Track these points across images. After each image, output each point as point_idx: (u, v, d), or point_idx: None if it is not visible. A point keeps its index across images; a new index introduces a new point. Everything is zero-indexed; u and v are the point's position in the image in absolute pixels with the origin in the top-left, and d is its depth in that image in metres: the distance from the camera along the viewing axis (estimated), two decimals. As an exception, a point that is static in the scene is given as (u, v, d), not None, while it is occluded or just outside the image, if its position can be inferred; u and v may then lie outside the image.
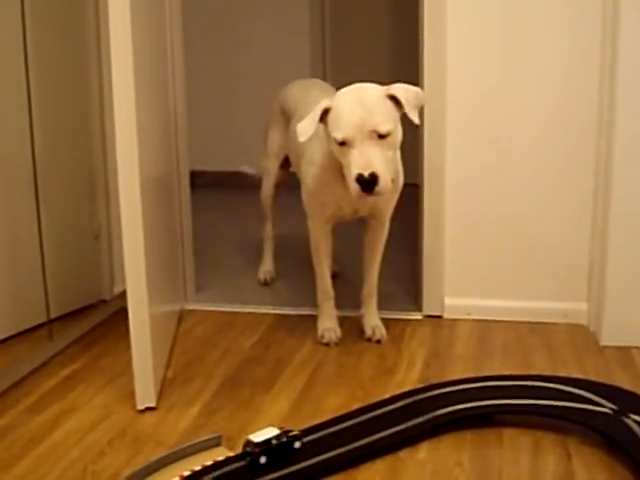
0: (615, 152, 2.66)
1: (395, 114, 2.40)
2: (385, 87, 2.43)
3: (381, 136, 2.33)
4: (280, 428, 2.00)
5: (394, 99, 2.39)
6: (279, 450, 1.95)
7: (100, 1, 3.07)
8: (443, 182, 2.97)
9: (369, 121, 2.33)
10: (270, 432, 1.97)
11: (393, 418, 2.16)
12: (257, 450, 1.92)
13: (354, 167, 2.33)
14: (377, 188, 2.32)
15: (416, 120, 2.40)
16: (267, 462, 1.92)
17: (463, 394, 2.25)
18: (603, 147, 2.78)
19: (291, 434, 1.99)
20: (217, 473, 1.89)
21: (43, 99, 2.87)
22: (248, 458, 1.92)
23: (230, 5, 5.90)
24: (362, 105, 2.35)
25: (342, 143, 2.36)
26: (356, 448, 2.03)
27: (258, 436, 1.95)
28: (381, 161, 2.33)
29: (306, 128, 2.43)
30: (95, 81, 3.16)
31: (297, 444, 1.99)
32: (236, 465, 1.92)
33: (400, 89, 2.41)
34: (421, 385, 2.38)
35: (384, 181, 2.32)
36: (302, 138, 2.44)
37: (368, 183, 2.30)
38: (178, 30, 3.14)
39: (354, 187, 2.33)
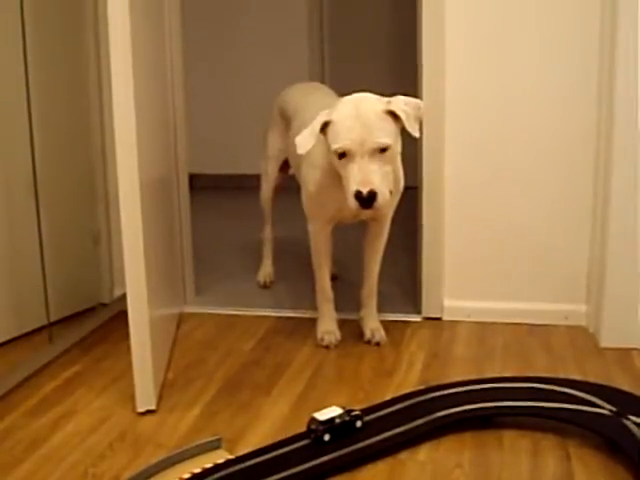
0: (614, 154, 2.66)
1: (394, 129, 2.41)
2: (385, 100, 2.43)
3: (380, 151, 2.35)
4: (342, 407, 2.08)
5: (393, 113, 2.40)
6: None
7: (99, 5, 3.07)
8: (442, 185, 2.98)
9: (368, 137, 2.34)
10: (334, 411, 2.06)
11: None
12: (322, 428, 2.02)
13: (353, 183, 2.35)
14: (375, 204, 2.34)
15: (416, 134, 2.42)
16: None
17: (463, 396, 2.26)
18: (602, 149, 2.78)
19: (353, 413, 2.08)
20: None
21: (43, 104, 2.88)
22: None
23: (229, 9, 5.91)
24: (361, 121, 2.36)
25: (341, 156, 2.38)
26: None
27: (323, 414, 2.05)
28: (380, 177, 2.35)
29: (305, 141, 2.44)
30: (94, 85, 3.16)
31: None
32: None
33: (400, 103, 2.41)
34: (418, 388, 2.38)
35: (382, 197, 2.34)
36: (301, 151, 2.45)
37: (366, 200, 2.33)
38: (177, 34, 3.15)
39: (353, 202, 2.35)
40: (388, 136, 2.37)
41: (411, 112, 2.41)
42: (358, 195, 2.33)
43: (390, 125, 2.40)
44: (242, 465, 1.94)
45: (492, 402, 2.21)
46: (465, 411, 2.17)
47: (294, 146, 2.80)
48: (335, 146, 2.39)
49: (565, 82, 2.83)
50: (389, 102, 2.42)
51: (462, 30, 2.87)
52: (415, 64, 3.02)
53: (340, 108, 2.43)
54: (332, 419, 2.04)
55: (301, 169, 2.75)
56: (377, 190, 2.32)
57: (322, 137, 2.47)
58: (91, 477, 1.98)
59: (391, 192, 2.44)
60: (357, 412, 2.10)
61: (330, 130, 2.42)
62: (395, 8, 5.71)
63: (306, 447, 2.02)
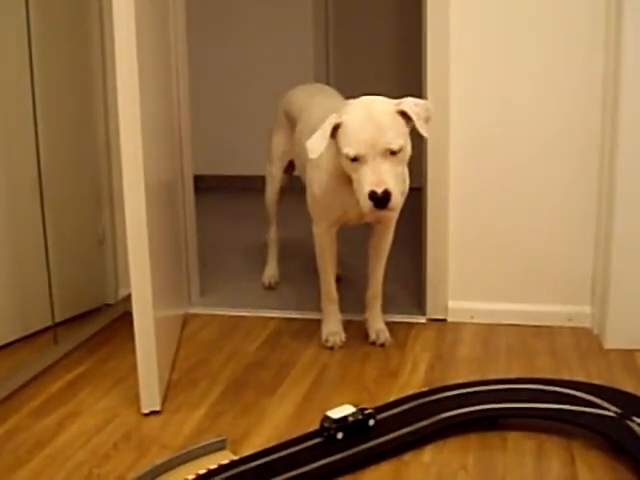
0: (618, 156, 2.66)
1: (405, 130, 2.41)
2: (395, 102, 2.43)
3: (392, 152, 2.34)
4: (355, 406, 2.10)
5: (404, 114, 2.40)
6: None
7: (104, 6, 3.08)
8: (447, 186, 2.98)
9: (381, 138, 2.33)
10: (346, 409, 2.08)
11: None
12: (335, 426, 2.03)
13: (367, 184, 2.34)
14: (390, 205, 2.33)
15: (426, 134, 2.42)
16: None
17: (467, 397, 2.26)
18: (607, 151, 2.78)
19: (366, 412, 2.09)
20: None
21: (48, 105, 2.88)
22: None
23: (234, 10, 5.92)
24: (373, 121, 2.35)
25: (354, 159, 2.37)
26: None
27: (336, 413, 2.06)
28: (393, 177, 2.35)
29: (317, 145, 2.42)
30: (99, 86, 3.16)
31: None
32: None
33: (410, 104, 2.41)
34: (425, 388, 2.39)
35: (396, 197, 2.34)
36: (313, 155, 2.43)
37: (381, 200, 2.32)
38: (182, 35, 3.15)
39: (367, 204, 2.34)
40: (400, 136, 2.36)
41: (421, 113, 2.42)
42: (372, 195, 2.32)
43: (402, 126, 2.40)
44: (256, 463, 1.95)
45: (496, 404, 2.21)
46: (469, 412, 2.17)
47: (299, 147, 2.81)
48: (347, 149, 2.37)
49: (570, 84, 2.83)
50: (400, 103, 2.42)
51: (467, 31, 2.87)
52: (420, 65, 3.02)
53: (350, 110, 2.42)
54: (345, 417, 2.05)
55: (306, 171, 2.75)
56: (391, 190, 2.32)
57: (331, 140, 2.46)
58: (96, 477, 1.98)
59: (402, 193, 2.44)
60: (370, 410, 2.11)
61: (341, 133, 2.41)
62: (400, 9, 5.71)
63: (319, 445, 2.03)
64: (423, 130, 2.40)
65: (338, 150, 2.44)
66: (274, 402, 2.39)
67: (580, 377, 2.49)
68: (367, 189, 2.33)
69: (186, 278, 3.30)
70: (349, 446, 2.02)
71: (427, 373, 2.59)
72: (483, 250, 3.01)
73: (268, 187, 3.42)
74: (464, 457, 2.04)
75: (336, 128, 2.42)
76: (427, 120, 2.44)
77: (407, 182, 2.65)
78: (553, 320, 2.98)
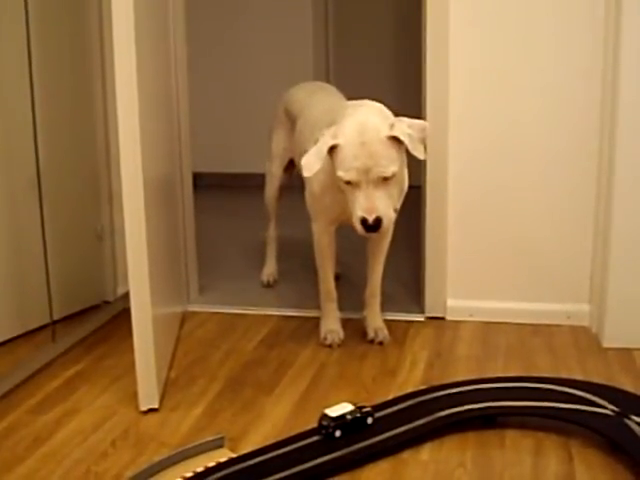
0: (617, 154, 2.66)
1: (399, 154, 2.41)
2: (390, 122, 2.41)
3: (385, 178, 2.36)
4: (354, 404, 2.10)
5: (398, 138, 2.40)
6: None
7: (104, 6, 3.08)
8: (445, 185, 2.98)
9: (374, 167, 2.35)
10: (345, 408, 2.08)
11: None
12: (333, 424, 2.04)
13: (359, 209, 2.37)
14: (380, 230, 2.39)
15: (421, 156, 2.41)
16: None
17: (465, 396, 2.26)
18: (605, 150, 2.78)
19: (364, 410, 2.10)
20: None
21: (46, 101, 2.88)
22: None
23: (234, 9, 5.91)
24: (366, 149, 2.35)
25: (347, 182, 2.39)
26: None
27: (334, 411, 2.07)
28: (385, 202, 2.38)
29: (312, 164, 2.43)
30: (98, 82, 3.16)
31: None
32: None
33: (403, 126, 2.40)
34: (423, 387, 2.39)
35: (388, 220, 2.39)
36: (307, 174, 2.45)
37: (372, 227, 2.36)
38: (181, 33, 3.15)
39: (359, 227, 2.39)
40: (394, 163, 2.37)
41: (415, 135, 2.40)
42: (364, 222, 2.36)
43: (395, 152, 2.39)
44: (254, 461, 1.95)
45: (494, 402, 2.21)
46: (467, 410, 2.17)
47: (299, 146, 2.81)
48: (340, 174, 2.39)
49: (568, 88, 2.83)
50: (392, 126, 2.40)
51: (467, 34, 2.86)
52: (419, 66, 3.01)
53: (345, 134, 2.40)
54: (343, 415, 2.05)
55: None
56: (383, 215, 2.36)
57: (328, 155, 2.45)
58: (93, 475, 1.98)
59: (395, 210, 2.47)
60: (368, 408, 2.11)
61: (336, 155, 2.42)
62: (400, 9, 5.70)
63: (317, 443, 2.04)
64: (417, 152, 2.40)
65: (334, 169, 2.45)
66: (272, 400, 2.39)
67: (578, 375, 2.49)
68: (359, 214, 2.37)
69: (185, 276, 3.30)
70: (347, 444, 2.02)
71: (425, 371, 2.59)
72: (482, 248, 3.01)
73: (268, 185, 3.42)
74: (462, 455, 2.04)
75: (333, 148, 2.42)
76: (423, 141, 2.43)
77: (406, 183, 2.65)
78: (551, 318, 2.98)
